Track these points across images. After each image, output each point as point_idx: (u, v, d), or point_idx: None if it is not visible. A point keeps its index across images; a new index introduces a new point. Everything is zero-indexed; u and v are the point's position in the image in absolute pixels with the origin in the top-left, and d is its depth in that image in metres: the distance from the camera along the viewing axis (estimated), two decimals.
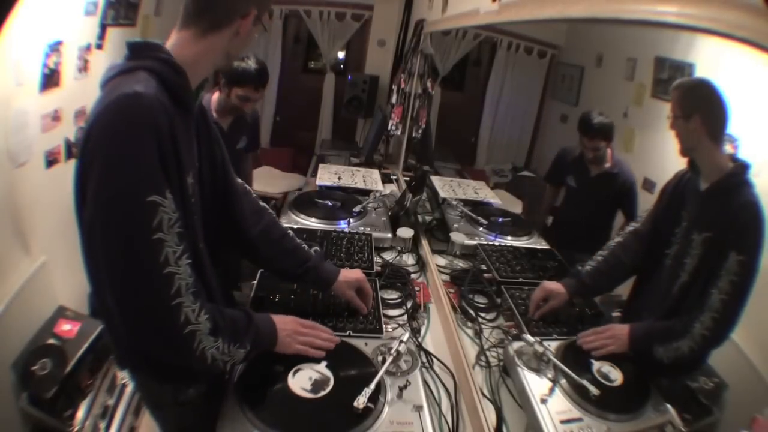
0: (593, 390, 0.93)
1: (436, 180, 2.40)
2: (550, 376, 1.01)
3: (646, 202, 1.43)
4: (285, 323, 1.00)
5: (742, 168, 0.96)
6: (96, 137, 0.71)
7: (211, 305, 0.84)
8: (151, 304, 0.75)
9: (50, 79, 1.85)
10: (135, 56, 0.80)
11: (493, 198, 2.27)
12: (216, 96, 1.90)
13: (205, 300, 0.82)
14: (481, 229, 1.89)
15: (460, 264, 1.72)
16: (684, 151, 1.07)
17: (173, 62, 0.81)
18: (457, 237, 1.78)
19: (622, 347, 1.07)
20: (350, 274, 1.22)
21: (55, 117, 1.91)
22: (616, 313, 1.36)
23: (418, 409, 0.95)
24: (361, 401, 0.89)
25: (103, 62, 2.18)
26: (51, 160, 1.90)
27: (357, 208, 1.95)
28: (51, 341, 1.67)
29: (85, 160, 0.74)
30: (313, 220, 1.86)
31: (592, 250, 1.57)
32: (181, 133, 0.80)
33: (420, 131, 2.78)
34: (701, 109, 0.98)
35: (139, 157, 0.71)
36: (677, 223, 1.11)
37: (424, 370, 1.13)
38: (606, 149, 1.59)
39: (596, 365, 1.06)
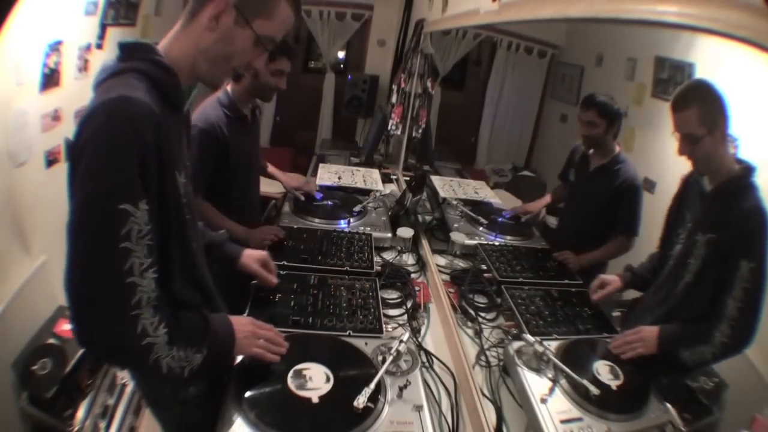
0: (593, 390, 0.93)
1: (436, 180, 2.41)
2: (550, 375, 1.01)
3: (646, 203, 1.43)
4: (242, 325, 0.98)
5: (747, 171, 0.96)
6: (82, 140, 0.71)
7: (168, 314, 0.81)
8: (108, 312, 0.73)
9: (50, 79, 1.85)
10: (126, 57, 0.80)
11: (493, 198, 2.27)
12: (232, 87, 1.76)
13: (167, 312, 0.80)
14: (481, 228, 1.89)
15: (460, 264, 1.72)
16: (704, 170, 1.04)
17: (163, 63, 0.80)
18: (457, 237, 1.78)
19: (650, 349, 1.07)
20: (255, 252, 1.28)
21: (55, 117, 1.91)
22: (616, 313, 1.36)
23: (418, 408, 0.95)
24: (361, 401, 0.89)
25: (103, 62, 2.18)
26: (51, 160, 1.90)
27: (357, 208, 1.95)
28: (51, 341, 1.67)
29: (73, 162, 0.74)
30: (314, 219, 1.85)
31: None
32: (173, 132, 0.80)
33: (420, 131, 2.78)
34: (723, 118, 0.96)
35: (117, 163, 0.70)
36: (681, 224, 1.11)
37: (424, 369, 1.13)
38: (606, 135, 1.52)
39: (596, 365, 1.06)
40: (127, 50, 0.81)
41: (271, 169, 2.08)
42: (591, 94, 1.54)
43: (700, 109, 0.97)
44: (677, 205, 1.17)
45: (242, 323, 0.99)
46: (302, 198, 2.01)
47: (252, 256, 1.26)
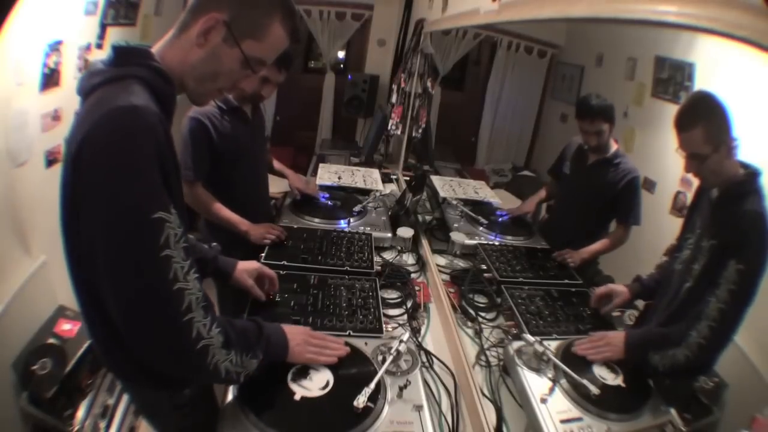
0: (593, 389, 0.93)
1: (436, 179, 2.40)
2: (550, 375, 1.01)
3: (646, 203, 1.43)
4: (295, 334, 0.99)
5: (752, 176, 0.94)
6: (92, 153, 0.68)
7: (222, 318, 0.82)
8: (162, 322, 0.72)
9: (50, 79, 1.84)
10: (122, 63, 0.77)
11: (493, 197, 2.27)
12: None
13: (215, 313, 0.80)
14: (481, 228, 1.89)
15: (460, 263, 1.72)
16: (711, 185, 1.04)
17: (162, 70, 0.78)
18: (457, 237, 1.78)
19: (617, 354, 1.06)
20: (248, 264, 1.22)
21: (55, 116, 1.91)
22: (616, 313, 1.36)
23: (418, 408, 0.95)
24: (361, 401, 0.89)
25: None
26: (51, 160, 1.90)
27: (357, 208, 1.95)
28: (51, 341, 1.67)
29: (77, 175, 0.71)
30: (314, 219, 1.85)
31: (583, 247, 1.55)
32: (170, 142, 0.79)
33: (420, 131, 2.79)
34: (727, 131, 0.94)
35: (143, 174, 0.69)
36: (691, 230, 1.11)
37: (424, 369, 1.13)
38: (609, 136, 1.53)
39: (596, 365, 1.06)
40: (122, 54, 0.77)
41: (277, 165, 2.08)
42: (586, 101, 1.50)
43: (706, 128, 0.94)
44: (691, 212, 1.16)
45: (295, 332, 1.00)
46: (298, 197, 2.02)
47: (246, 270, 1.21)
